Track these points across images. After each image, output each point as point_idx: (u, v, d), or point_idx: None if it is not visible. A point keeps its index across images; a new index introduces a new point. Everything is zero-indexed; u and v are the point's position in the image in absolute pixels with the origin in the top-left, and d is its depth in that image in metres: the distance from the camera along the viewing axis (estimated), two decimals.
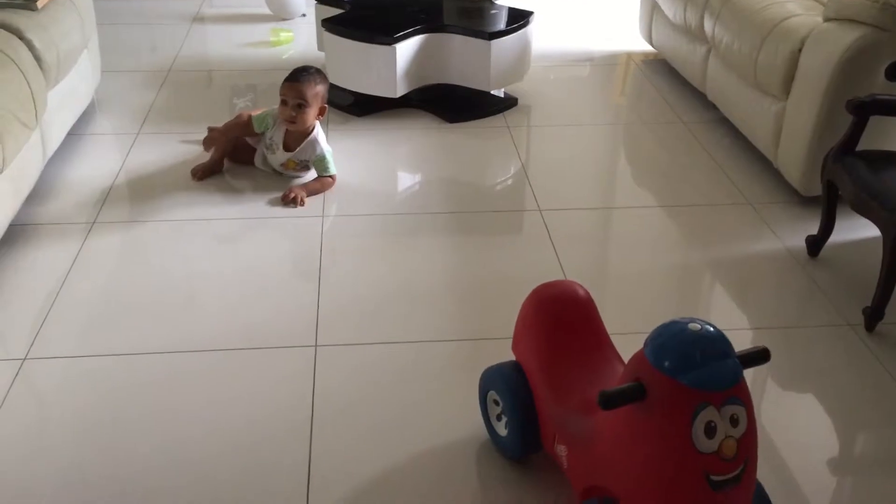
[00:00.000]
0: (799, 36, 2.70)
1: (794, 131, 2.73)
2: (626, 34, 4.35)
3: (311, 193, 2.81)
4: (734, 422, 1.34)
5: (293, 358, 2.10)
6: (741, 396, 1.36)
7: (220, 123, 3.18)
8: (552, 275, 2.45)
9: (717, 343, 1.35)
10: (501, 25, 3.34)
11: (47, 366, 2.06)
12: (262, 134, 2.89)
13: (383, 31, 3.23)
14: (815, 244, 2.53)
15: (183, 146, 3.12)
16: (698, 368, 1.32)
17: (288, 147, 2.84)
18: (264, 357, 2.11)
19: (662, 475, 1.36)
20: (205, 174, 2.90)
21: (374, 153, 3.14)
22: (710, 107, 3.45)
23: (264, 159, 2.94)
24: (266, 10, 4.52)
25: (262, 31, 4.33)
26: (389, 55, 3.20)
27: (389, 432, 1.89)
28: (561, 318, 1.70)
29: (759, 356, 1.41)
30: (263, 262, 2.49)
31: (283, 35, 4.14)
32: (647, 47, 4.09)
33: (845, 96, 2.52)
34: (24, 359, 2.08)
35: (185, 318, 2.24)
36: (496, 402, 1.81)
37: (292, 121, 2.76)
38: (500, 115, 3.44)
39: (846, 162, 2.34)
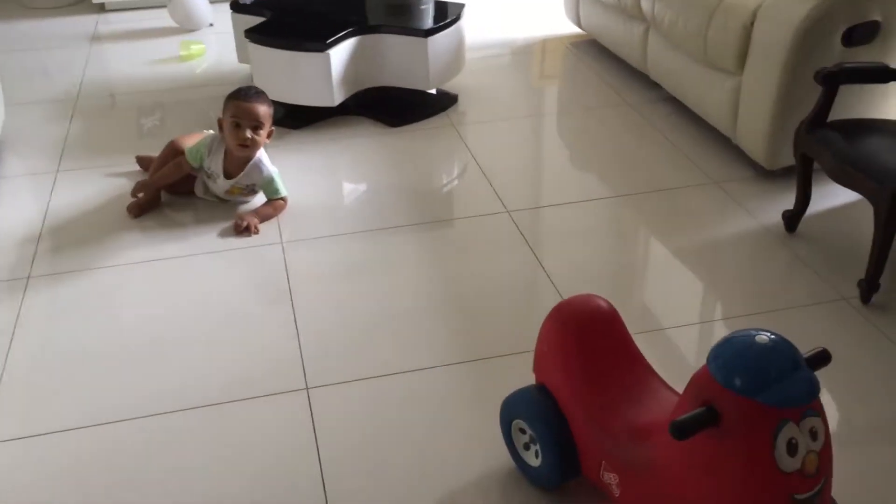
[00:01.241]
0: (749, 9, 2.65)
1: (753, 106, 2.69)
2: (551, 17, 4.27)
3: (263, 219, 2.62)
4: (813, 435, 1.26)
5: (285, 405, 1.93)
6: (816, 407, 1.28)
7: (144, 151, 2.96)
8: (536, 279, 2.35)
9: (788, 354, 1.26)
10: (436, 21, 3.19)
11: (2, 451, 1.83)
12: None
13: (313, 37, 3.04)
14: (792, 219, 2.49)
15: (111, 180, 2.87)
16: (775, 385, 1.23)
17: (229, 174, 2.64)
18: (253, 408, 1.93)
19: (746, 500, 1.26)
20: (142, 210, 2.67)
21: (320, 168, 2.96)
22: (653, 85, 3.40)
23: (205, 188, 2.72)
24: (170, 23, 4.25)
25: (169, 45, 4.06)
26: (323, 62, 3.01)
27: (407, 472, 1.75)
28: (589, 335, 1.59)
29: (821, 359, 1.34)
30: (227, 300, 2.30)
31: (195, 48, 3.88)
32: (575, 29, 4.02)
33: (804, 67, 2.50)
34: None
35: (153, 375, 2.03)
36: (522, 431, 1.69)
37: (246, 144, 2.55)
38: (442, 114, 3.30)
39: (820, 135, 2.30)
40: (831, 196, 2.61)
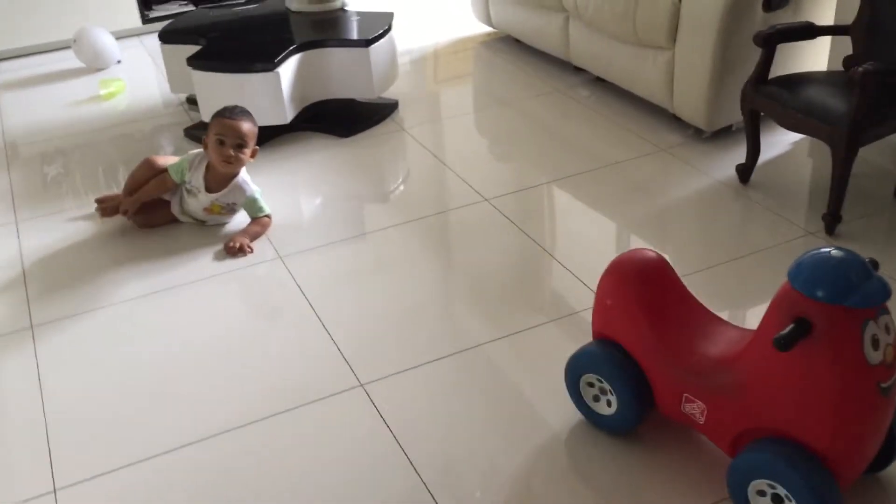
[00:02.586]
0: None
1: (688, 75, 2.94)
2: (451, 20, 4.43)
3: (253, 238, 2.64)
4: (887, 330, 1.46)
5: (348, 402, 1.99)
6: (885, 306, 1.48)
7: (100, 192, 2.93)
8: (536, 257, 2.49)
9: (860, 263, 1.45)
10: (372, 30, 3.29)
11: (78, 493, 1.81)
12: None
13: (260, 58, 3.08)
14: (745, 171, 2.74)
15: (75, 224, 2.81)
16: (856, 290, 1.42)
17: (211, 189, 2.65)
18: (318, 410, 1.98)
19: (843, 395, 1.45)
20: (114, 212, 2.75)
21: (288, 184, 3.00)
22: (575, 71, 3.62)
23: (182, 208, 2.71)
24: (74, 64, 4.13)
25: (85, 85, 3.95)
26: (273, 81, 3.05)
27: (486, 443, 1.85)
28: (649, 284, 1.75)
29: (875, 265, 1.53)
30: (247, 319, 2.33)
31: (116, 85, 3.81)
32: (481, 29, 4.19)
33: (734, 34, 2.77)
34: (55, 490, 1.81)
35: (205, 401, 2.03)
36: (590, 384, 1.83)
37: (230, 161, 2.58)
38: (388, 121, 3.40)
39: (766, 91, 2.56)
40: (773, 146, 2.89)
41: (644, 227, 2.64)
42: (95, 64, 4.09)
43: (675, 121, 3.15)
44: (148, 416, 2.00)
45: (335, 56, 3.22)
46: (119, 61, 4.17)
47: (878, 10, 2.50)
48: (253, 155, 2.64)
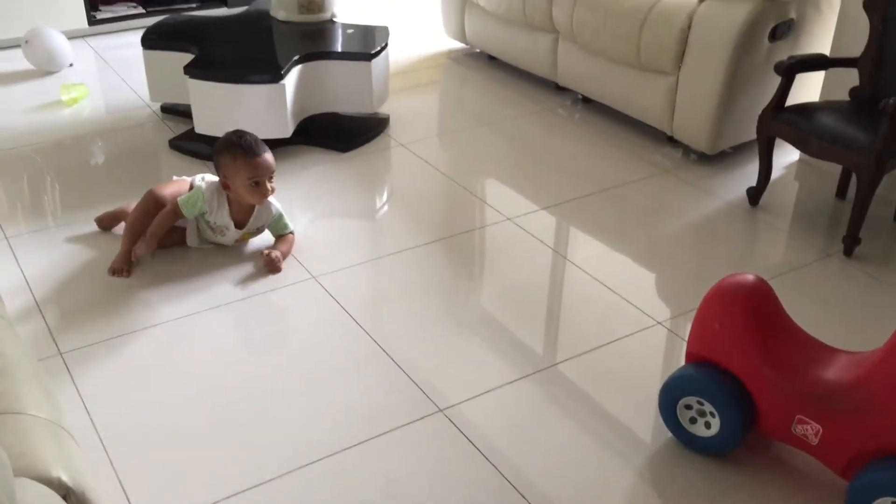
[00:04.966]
0: (682, 16, 2.98)
1: (692, 100, 3.03)
2: (419, 34, 4.40)
3: (284, 256, 2.53)
4: None
5: (430, 428, 1.94)
6: None
7: (88, 205, 2.75)
8: (577, 279, 2.50)
9: None
10: (371, 45, 3.22)
11: None
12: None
13: (264, 69, 2.96)
14: (756, 194, 2.85)
15: (74, 241, 2.61)
16: None
17: (240, 224, 2.53)
18: (401, 439, 1.91)
19: None
20: (130, 267, 2.47)
21: (298, 201, 2.88)
22: (559, 90, 3.66)
23: (201, 238, 2.57)
24: (21, 66, 3.85)
25: (43, 89, 3.67)
26: (279, 93, 2.94)
27: (584, 460, 1.85)
28: (759, 308, 1.79)
29: None
30: (299, 343, 2.23)
31: (78, 90, 3.56)
32: (453, 44, 4.18)
33: (742, 62, 2.89)
34: None
35: (273, 430, 1.94)
36: (688, 407, 1.86)
37: (266, 196, 2.47)
38: (383, 135, 3.34)
39: (785, 118, 2.67)
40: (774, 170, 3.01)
41: (667, 250, 2.68)
42: (47, 67, 3.82)
43: (666, 141, 3.24)
44: (221, 450, 1.88)
45: (337, 69, 3.14)
46: (71, 64, 3.91)
47: (885, 45, 2.66)
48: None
